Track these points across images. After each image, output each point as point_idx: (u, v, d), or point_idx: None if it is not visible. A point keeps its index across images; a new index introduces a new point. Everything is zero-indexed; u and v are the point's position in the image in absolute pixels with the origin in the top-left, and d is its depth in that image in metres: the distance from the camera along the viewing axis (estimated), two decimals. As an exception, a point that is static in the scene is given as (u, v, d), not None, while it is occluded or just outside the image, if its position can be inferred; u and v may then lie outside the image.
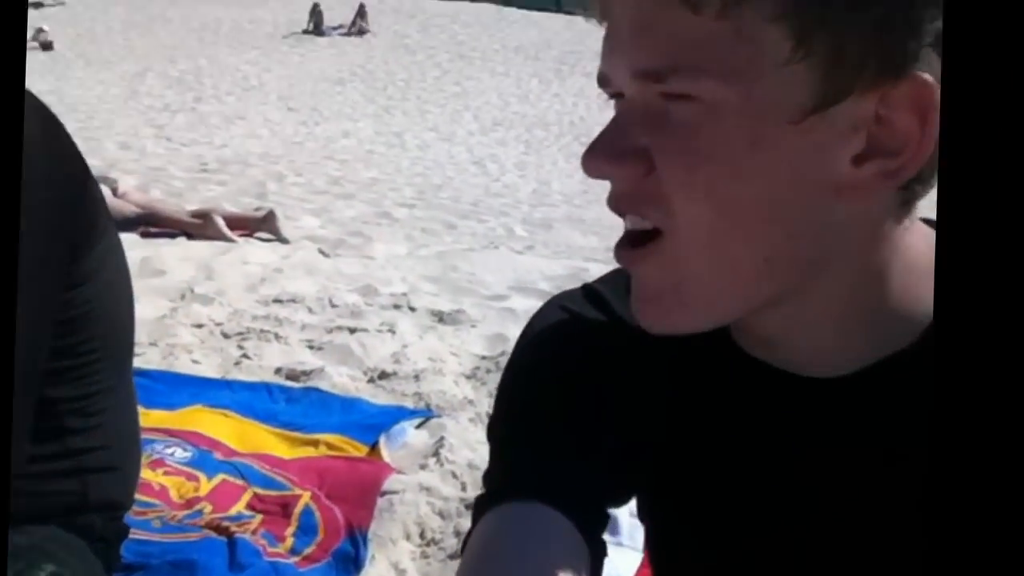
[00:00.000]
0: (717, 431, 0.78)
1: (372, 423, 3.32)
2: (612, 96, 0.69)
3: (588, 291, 0.87)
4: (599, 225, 8.11)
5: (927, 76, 0.59)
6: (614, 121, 0.67)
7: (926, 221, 0.71)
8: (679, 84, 0.62)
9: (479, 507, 0.78)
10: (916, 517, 0.56)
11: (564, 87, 18.60)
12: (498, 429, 0.85)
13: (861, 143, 0.62)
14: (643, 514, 0.88)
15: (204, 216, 6.36)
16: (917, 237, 0.69)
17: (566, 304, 0.86)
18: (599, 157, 0.66)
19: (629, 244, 0.69)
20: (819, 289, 0.67)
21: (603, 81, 0.69)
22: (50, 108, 1.31)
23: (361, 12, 24.20)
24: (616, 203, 0.69)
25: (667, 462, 0.81)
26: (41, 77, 16.79)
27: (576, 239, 7.67)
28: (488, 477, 0.83)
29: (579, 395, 0.80)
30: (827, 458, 0.73)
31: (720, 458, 0.78)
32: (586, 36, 22.88)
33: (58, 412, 1.39)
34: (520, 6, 30.17)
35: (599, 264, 6.23)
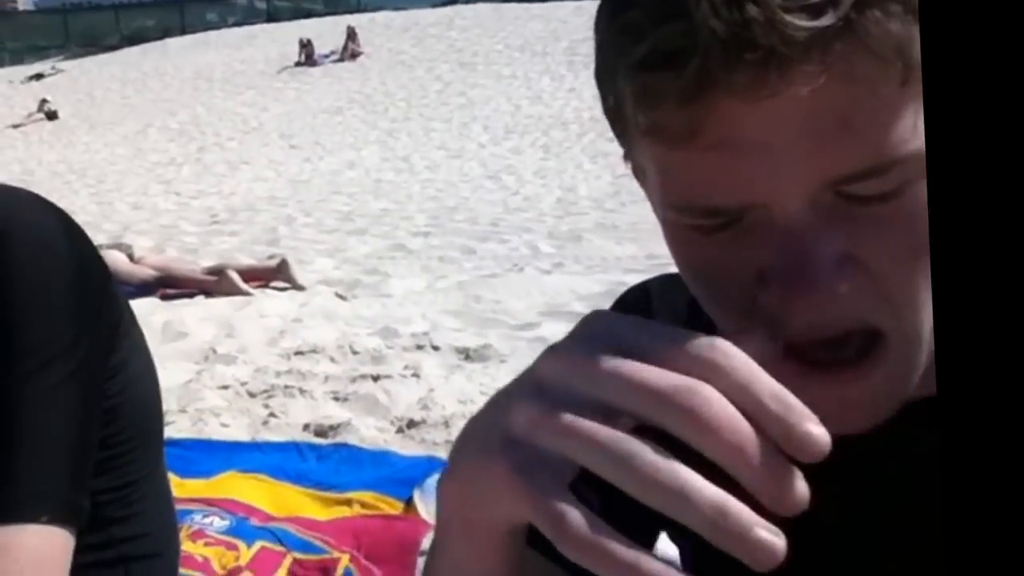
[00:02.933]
0: None
1: (404, 477, 3.30)
2: (715, 213, 0.57)
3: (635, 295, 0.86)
4: (635, 230, 7.54)
5: None
6: (801, 242, 0.55)
7: None
8: (901, 175, 0.53)
9: None
10: None
11: (579, 80, 17.07)
12: None
13: None
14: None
15: (219, 272, 6.39)
16: None
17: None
18: (823, 285, 0.55)
19: (832, 365, 0.59)
20: None
21: (725, 210, 0.57)
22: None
23: (351, 35, 24.03)
24: (820, 325, 0.57)
25: None
26: (51, 147, 16.96)
27: (611, 249, 7.22)
28: None
29: None
30: (886, 480, 0.70)
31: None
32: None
33: (100, 503, 1.39)
34: (518, 0, 28.59)
35: (639, 275, 5.93)
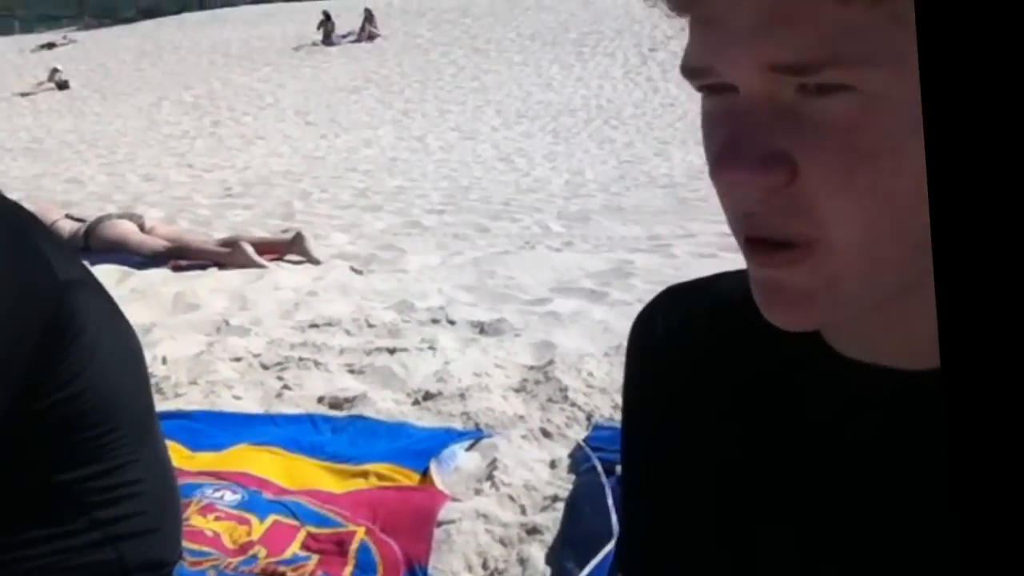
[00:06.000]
0: (803, 451, 0.75)
1: (421, 448, 3.25)
2: (708, 87, 0.64)
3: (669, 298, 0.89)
4: (639, 212, 7.92)
5: None
6: (742, 123, 0.61)
7: None
8: (835, 76, 0.57)
9: None
10: None
11: (587, 70, 18.23)
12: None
13: None
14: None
15: (232, 244, 6.31)
16: None
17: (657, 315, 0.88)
18: (742, 166, 0.60)
19: (764, 249, 0.64)
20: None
21: (702, 73, 0.63)
22: (20, 216, 1.43)
23: (369, 17, 24.17)
24: (748, 220, 0.63)
25: (745, 481, 0.78)
26: (60, 116, 16.93)
27: (616, 230, 7.37)
28: None
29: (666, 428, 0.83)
30: (930, 459, 0.66)
31: (810, 479, 0.74)
32: (604, 15, 22.77)
33: (78, 491, 1.47)
34: None
35: (644, 254, 6.11)
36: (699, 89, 0.64)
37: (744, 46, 0.59)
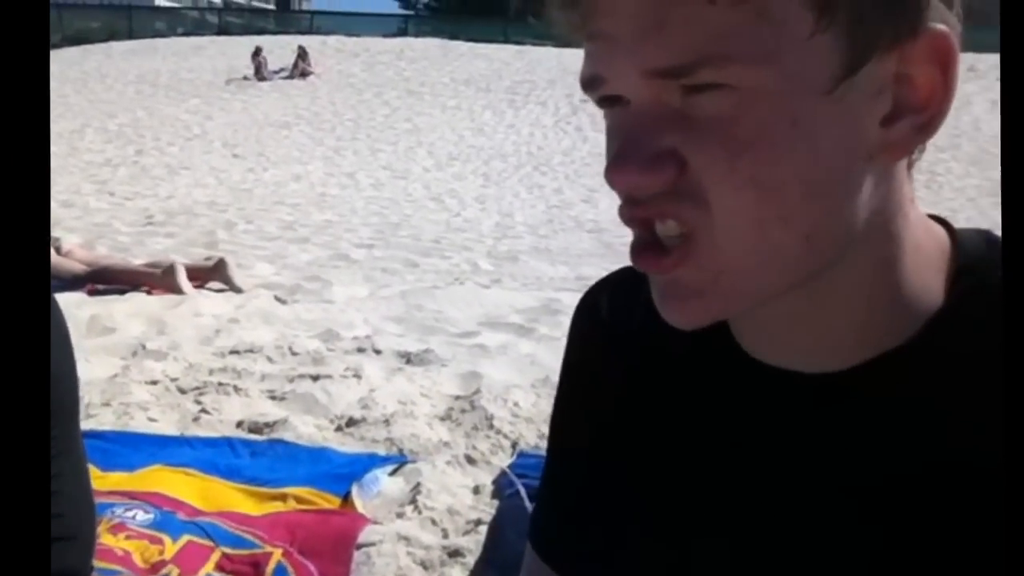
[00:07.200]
0: (713, 436, 0.77)
1: (342, 473, 3.22)
2: (603, 100, 0.66)
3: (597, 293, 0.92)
4: (567, 254, 8.08)
5: (941, 26, 0.62)
6: (631, 128, 0.64)
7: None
8: (709, 75, 0.60)
9: None
10: (912, 512, 0.66)
11: (519, 117, 18.52)
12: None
13: (888, 104, 0.63)
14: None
15: (164, 266, 6.15)
16: (920, 216, 0.70)
17: (588, 312, 0.91)
18: (629, 167, 0.63)
19: (654, 250, 0.66)
20: (842, 267, 0.67)
21: (595, 84, 0.65)
22: None
23: (303, 54, 24.13)
24: (643, 212, 0.65)
25: (659, 474, 0.80)
26: (-21, 140, 16.50)
27: (544, 269, 7.51)
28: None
29: (593, 417, 0.85)
30: (826, 459, 0.71)
31: (714, 463, 0.76)
32: (536, 65, 23.01)
33: None
34: (467, 38, 30.04)
35: (572, 293, 6.13)
36: (599, 104, 0.67)
37: (626, 54, 0.62)
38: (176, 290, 5.93)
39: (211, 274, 6.33)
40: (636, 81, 0.62)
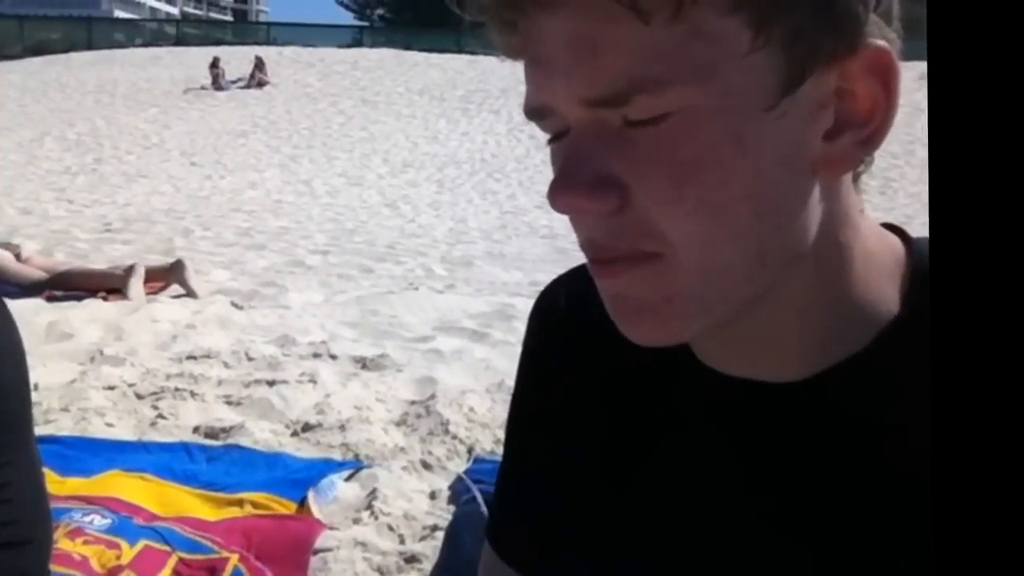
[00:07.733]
0: (669, 440, 0.77)
1: (298, 478, 3.22)
2: (552, 137, 0.66)
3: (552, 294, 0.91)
4: (520, 260, 8.11)
5: (880, 42, 0.62)
6: (573, 151, 0.63)
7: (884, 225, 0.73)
8: (647, 103, 0.59)
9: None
10: (866, 524, 0.66)
11: (472, 125, 18.60)
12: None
13: (830, 119, 0.62)
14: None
15: (126, 268, 6.16)
16: (872, 225, 0.70)
17: (544, 314, 0.90)
18: (573, 191, 0.62)
19: (610, 268, 0.65)
20: (793, 280, 0.66)
21: (539, 115, 0.65)
22: None
23: (259, 64, 24.06)
24: (596, 243, 0.65)
25: (616, 481, 0.80)
26: (-68, 149, 16.36)
27: (498, 275, 7.57)
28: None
29: (550, 420, 0.85)
30: (779, 468, 0.71)
31: (671, 472, 0.77)
32: (489, 74, 23.03)
33: None
34: (420, 49, 30.20)
35: (525, 299, 6.17)
36: (544, 130, 0.66)
37: (563, 81, 0.61)
38: (129, 295, 5.95)
39: (168, 275, 6.35)
40: (574, 107, 0.61)
